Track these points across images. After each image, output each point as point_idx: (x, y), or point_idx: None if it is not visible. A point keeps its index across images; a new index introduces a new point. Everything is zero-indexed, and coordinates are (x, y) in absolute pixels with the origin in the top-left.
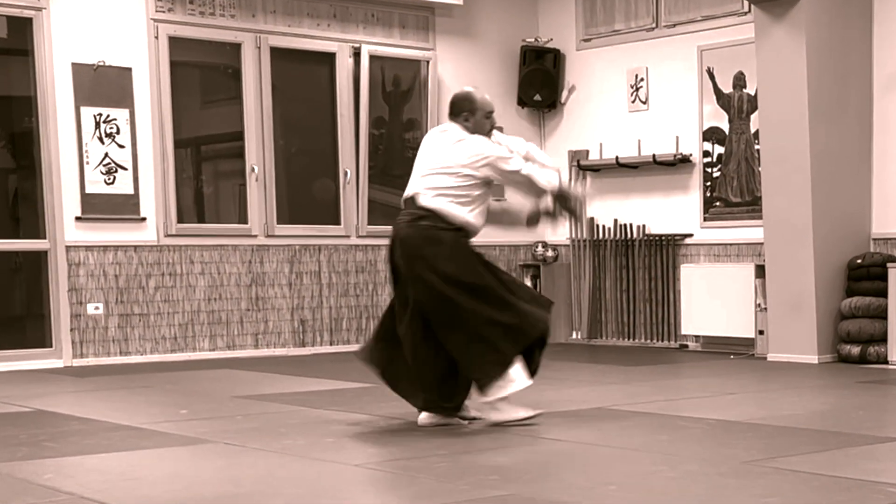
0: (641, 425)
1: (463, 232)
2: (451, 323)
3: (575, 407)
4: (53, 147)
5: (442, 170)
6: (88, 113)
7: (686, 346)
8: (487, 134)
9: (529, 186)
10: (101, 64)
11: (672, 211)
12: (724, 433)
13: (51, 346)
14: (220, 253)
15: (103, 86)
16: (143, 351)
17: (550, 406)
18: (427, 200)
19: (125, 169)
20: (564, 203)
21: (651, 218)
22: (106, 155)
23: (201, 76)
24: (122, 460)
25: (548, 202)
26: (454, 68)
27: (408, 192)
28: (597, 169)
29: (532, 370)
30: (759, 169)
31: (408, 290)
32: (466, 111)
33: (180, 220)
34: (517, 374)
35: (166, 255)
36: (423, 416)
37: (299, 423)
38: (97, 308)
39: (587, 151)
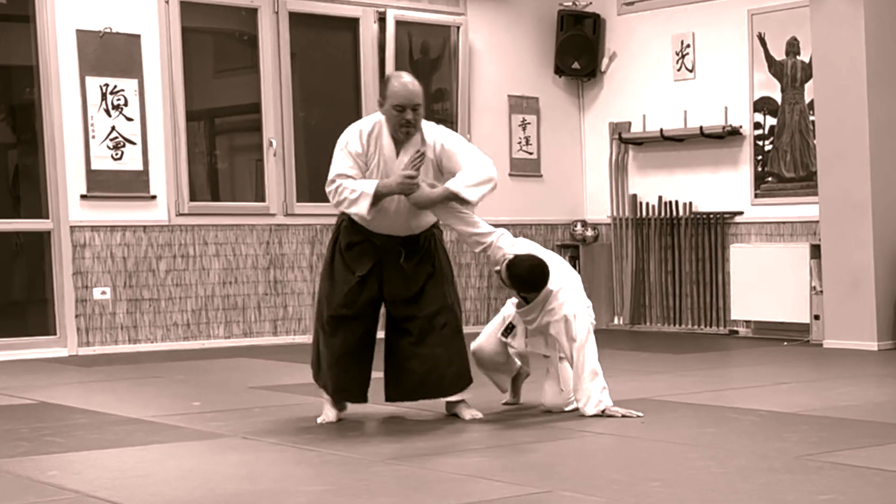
0: (688, 417)
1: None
2: None
3: (616, 398)
4: (57, 120)
5: None
6: (94, 83)
7: (736, 332)
8: (398, 131)
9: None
10: (108, 31)
11: (721, 187)
12: (777, 425)
13: (55, 334)
14: (236, 233)
15: (110, 53)
16: (153, 339)
17: None
18: None
19: (133, 143)
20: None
21: (698, 195)
22: (113, 128)
23: (215, 43)
24: (130, 456)
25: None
26: (487, 35)
27: None
28: (640, 142)
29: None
30: (815, 142)
31: None
32: (380, 97)
33: (193, 198)
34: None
35: (178, 236)
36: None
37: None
38: (104, 293)
39: (629, 123)
